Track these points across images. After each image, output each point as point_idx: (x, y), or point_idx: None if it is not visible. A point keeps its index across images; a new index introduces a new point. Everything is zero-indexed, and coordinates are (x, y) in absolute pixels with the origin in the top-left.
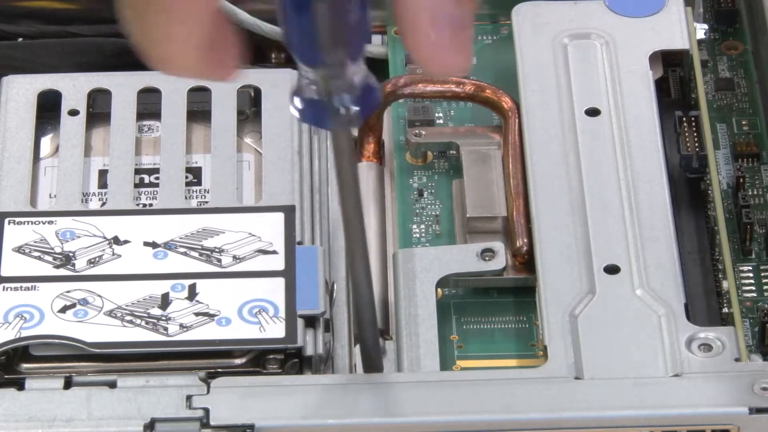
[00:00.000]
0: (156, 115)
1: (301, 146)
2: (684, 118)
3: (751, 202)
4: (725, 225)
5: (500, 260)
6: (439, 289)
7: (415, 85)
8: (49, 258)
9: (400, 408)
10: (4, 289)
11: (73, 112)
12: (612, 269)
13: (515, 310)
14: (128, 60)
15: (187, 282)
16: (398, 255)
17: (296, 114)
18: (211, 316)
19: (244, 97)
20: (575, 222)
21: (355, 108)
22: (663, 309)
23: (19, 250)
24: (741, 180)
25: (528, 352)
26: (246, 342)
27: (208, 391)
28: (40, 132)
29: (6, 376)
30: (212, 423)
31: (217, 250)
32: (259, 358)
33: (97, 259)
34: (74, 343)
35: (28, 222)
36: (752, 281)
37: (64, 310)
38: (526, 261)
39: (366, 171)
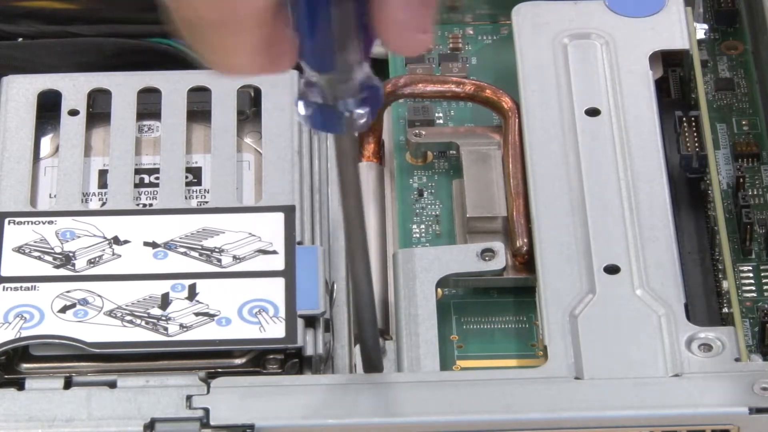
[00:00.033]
0: (156, 115)
1: (301, 146)
2: (684, 118)
3: (751, 202)
4: (725, 225)
5: (500, 260)
6: (439, 289)
7: (415, 85)
8: (49, 258)
9: (400, 408)
10: (4, 289)
11: (73, 112)
12: (612, 269)
13: (515, 310)
14: (128, 60)
15: (187, 282)
16: (398, 255)
17: (303, 120)
18: (211, 316)
19: (244, 97)
20: (575, 222)
21: (362, 110)
22: (663, 309)
23: (19, 250)
24: (741, 180)
25: (528, 352)
26: (246, 342)
27: (208, 391)
28: (40, 132)
29: (6, 376)
30: (212, 423)
31: (217, 250)
32: (259, 358)
33: (97, 259)
34: (74, 343)
35: (28, 222)
36: (752, 281)
37: (64, 310)
38: (526, 261)
39: (366, 171)
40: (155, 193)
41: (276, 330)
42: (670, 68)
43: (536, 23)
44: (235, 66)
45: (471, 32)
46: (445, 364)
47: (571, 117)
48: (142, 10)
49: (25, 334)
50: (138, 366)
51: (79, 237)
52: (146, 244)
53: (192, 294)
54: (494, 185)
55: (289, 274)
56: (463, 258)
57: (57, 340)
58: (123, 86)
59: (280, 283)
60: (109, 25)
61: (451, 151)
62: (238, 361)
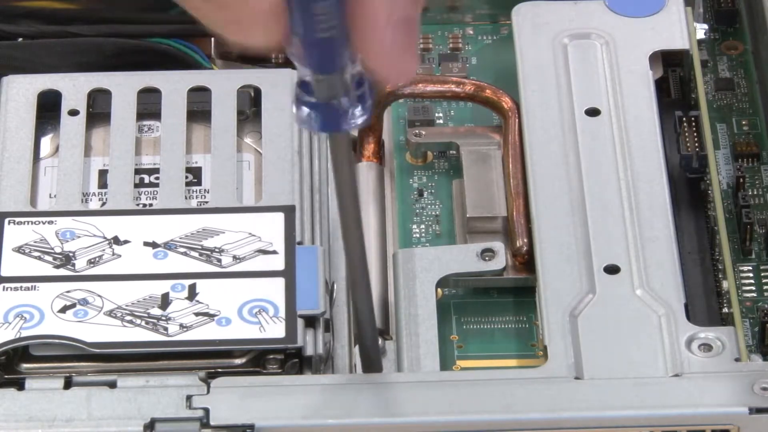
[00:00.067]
0: (156, 115)
1: (301, 146)
2: (684, 118)
3: (751, 202)
4: (725, 225)
5: (500, 260)
6: (439, 289)
7: (415, 85)
8: (49, 258)
9: (400, 408)
10: (4, 289)
11: (73, 112)
12: (612, 269)
13: (515, 310)
14: (128, 60)
15: (187, 282)
16: (398, 255)
17: (299, 121)
18: (211, 316)
19: (244, 97)
20: (575, 222)
21: (357, 108)
22: (663, 309)
23: (19, 250)
24: (741, 180)
25: (528, 352)
26: (246, 342)
27: (208, 391)
28: (40, 132)
29: (6, 376)
30: (212, 423)
31: (217, 250)
32: (259, 358)
33: (97, 259)
34: (74, 343)
35: (28, 222)
36: (752, 281)
37: (64, 310)
38: (526, 261)
39: (366, 171)
40: (155, 193)
41: (276, 330)
42: (670, 68)
43: (536, 23)
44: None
45: (471, 32)
46: (445, 364)
47: (571, 117)
48: (142, 10)
49: (25, 334)
50: (138, 366)
51: (79, 237)
52: (146, 244)
53: (192, 294)
54: (494, 185)
55: (289, 274)
56: (463, 258)
57: (57, 340)
58: (123, 86)
59: (280, 283)
60: (109, 25)
61: (451, 151)
62: (238, 361)
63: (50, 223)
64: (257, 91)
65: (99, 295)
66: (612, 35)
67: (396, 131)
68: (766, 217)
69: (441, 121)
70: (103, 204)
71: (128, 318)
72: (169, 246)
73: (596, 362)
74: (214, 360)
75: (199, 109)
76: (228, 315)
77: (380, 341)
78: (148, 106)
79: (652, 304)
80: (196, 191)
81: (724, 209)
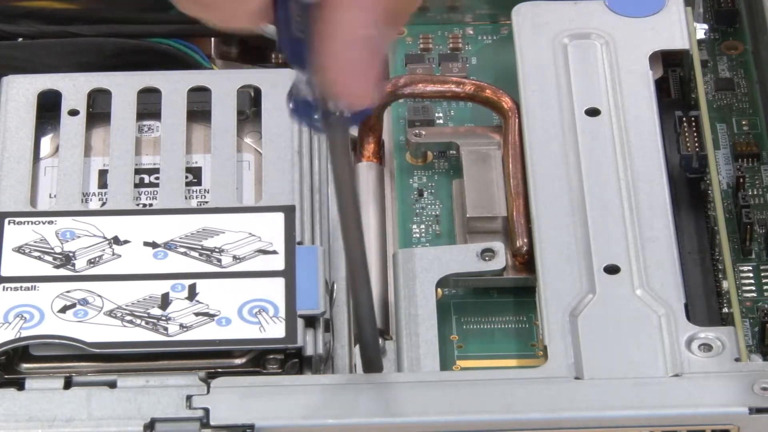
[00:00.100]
0: (156, 115)
1: (301, 146)
2: (684, 118)
3: (751, 202)
4: (725, 225)
5: (500, 260)
6: (439, 289)
7: (415, 85)
8: (49, 258)
9: (400, 408)
10: (4, 289)
11: (73, 112)
12: (612, 269)
13: (515, 310)
14: (128, 60)
15: (187, 282)
16: (398, 255)
17: (292, 115)
18: (211, 316)
19: (244, 97)
20: (575, 222)
21: (347, 111)
22: (663, 309)
23: (19, 250)
24: (741, 180)
25: (528, 352)
26: (246, 342)
27: (208, 391)
28: (40, 132)
29: (6, 376)
30: (212, 423)
31: (217, 250)
32: (259, 358)
33: (97, 259)
34: (74, 343)
35: (28, 222)
36: (752, 281)
37: (64, 310)
38: (526, 261)
39: (366, 171)
40: (155, 193)
41: (276, 330)
42: (670, 68)
43: (536, 23)
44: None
45: (471, 32)
46: (445, 364)
47: (571, 117)
48: (142, 10)
49: (25, 334)
50: (138, 366)
51: (79, 237)
52: (146, 244)
53: (192, 294)
54: (494, 185)
55: (289, 274)
56: (463, 258)
57: (57, 340)
58: (123, 86)
59: (280, 283)
60: (109, 25)
61: (451, 151)
62: (238, 361)
63: (50, 223)
64: (257, 91)
65: (99, 295)
66: (612, 35)
67: (396, 131)
68: (766, 217)
69: (441, 121)
70: (103, 204)
71: (128, 318)
72: (169, 246)
73: (596, 362)
74: (214, 360)
75: (199, 109)
76: (228, 315)
77: (380, 341)
78: (148, 106)
79: (652, 304)
80: (196, 191)
81: (724, 209)
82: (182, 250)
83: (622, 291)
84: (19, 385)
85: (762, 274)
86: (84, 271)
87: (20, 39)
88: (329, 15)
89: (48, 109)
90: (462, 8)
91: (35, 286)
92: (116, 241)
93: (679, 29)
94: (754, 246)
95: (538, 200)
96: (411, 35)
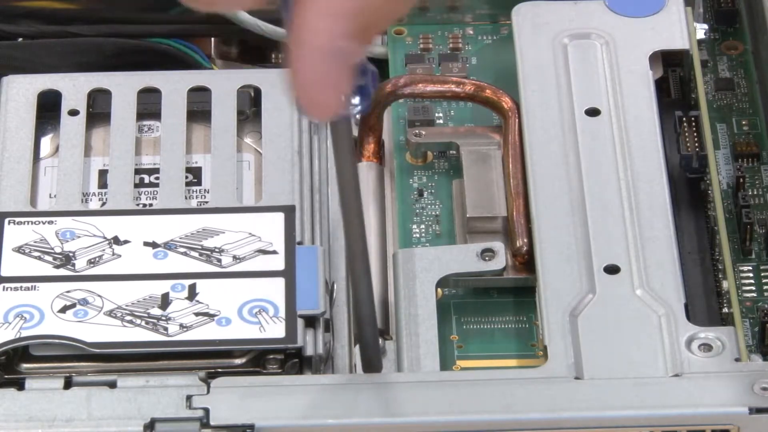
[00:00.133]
0: (156, 115)
1: (301, 146)
2: (684, 118)
3: (751, 202)
4: (725, 225)
5: (500, 260)
6: (439, 289)
7: (415, 85)
8: (49, 258)
9: (400, 408)
10: (4, 289)
11: (73, 112)
12: (612, 269)
13: (515, 310)
14: (128, 60)
15: (187, 282)
16: (398, 255)
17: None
18: (211, 316)
19: (244, 97)
20: (575, 222)
21: (358, 97)
22: (663, 309)
23: (19, 250)
24: (741, 180)
25: (528, 352)
26: (246, 342)
27: (208, 391)
28: (40, 132)
29: (6, 376)
30: (212, 423)
31: (217, 250)
32: (259, 358)
33: (97, 259)
34: (74, 343)
35: (28, 222)
36: (752, 281)
37: (64, 310)
38: (526, 261)
39: (366, 171)
40: (155, 193)
41: (276, 330)
42: (670, 68)
43: (536, 23)
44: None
45: (471, 32)
46: (445, 364)
47: (571, 117)
48: (142, 10)
49: (25, 334)
50: (138, 366)
51: (79, 237)
52: (146, 244)
53: (192, 294)
54: (494, 185)
55: (289, 274)
56: (463, 258)
57: (57, 340)
58: (123, 86)
59: (280, 283)
60: (109, 25)
61: (451, 151)
62: (238, 361)
63: (50, 223)
64: (257, 91)
65: (99, 295)
66: (612, 35)
67: (396, 131)
68: (766, 217)
69: (441, 121)
70: (103, 204)
71: (128, 318)
72: (169, 246)
73: (596, 362)
74: (214, 360)
75: (199, 109)
76: (228, 315)
77: (380, 341)
78: (148, 106)
79: (652, 304)
80: (196, 191)
81: (724, 209)
82: (182, 250)
83: (622, 291)
84: (19, 385)
85: (762, 274)
86: (84, 271)
87: (20, 39)
88: (302, 20)
89: (48, 109)
90: (462, 8)
91: (35, 286)
92: (116, 241)
93: (679, 29)
94: (754, 246)
95: (538, 200)
96: (411, 35)
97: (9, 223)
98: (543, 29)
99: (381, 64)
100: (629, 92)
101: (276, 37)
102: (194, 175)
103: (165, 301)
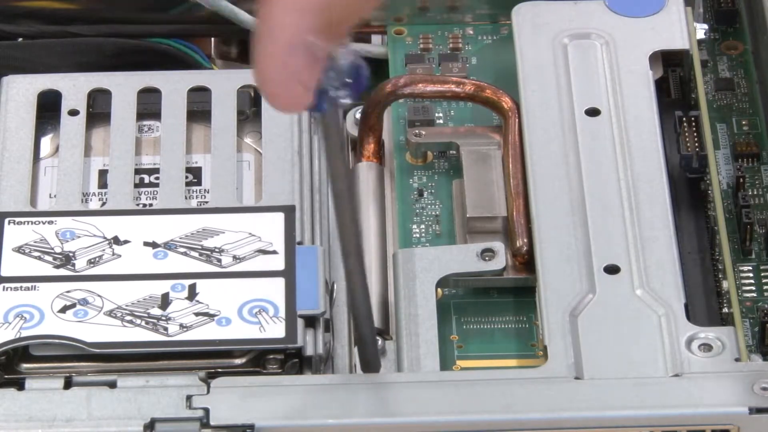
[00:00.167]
0: (156, 115)
1: (301, 146)
2: (684, 118)
3: (751, 202)
4: (725, 225)
5: (500, 260)
6: (439, 289)
7: (415, 85)
8: (49, 258)
9: (400, 408)
10: (4, 289)
11: (73, 112)
12: (612, 269)
13: (515, 310)
14: (128, 60)
15: (187, 282)
16: (398, 255)
17: None
18: (211, 316)
19: (244, 97)
20: (575, 222)
21: (345, 89)
22: (663, 309)
23: (19, 250)
24: (741, 180)
25: (528, 352)
26: (246, 342)
27: (208, 391)
28: (40, 132)
29: (6, 376)
30: (212, 423)
31: (217, 250)
32: (259, 358)
33: (97, 259)
34: (74, 343)
35: (28, 222)
36: (752, 281)
37: (64, 310)
38: (526, 261)
39: (366, 171)
40: (155, 193)
41: (276, 330)
42: (670, 68)
43: (536, 23)
44: None
45: (471, 32)
46: (445, 364)
47: (571, 117)
48: (142, 10)
49: (25, 334)
50: (138, 366)
51: (79, 237)
52: (146, 244)
53: (192, 294)
54: (494, 185)
55: (289, 274)
56: (463, 258)
57: (57, 340)
58: (123, 86)
59: (280, 283)
60: (109, 25)
61: (451, 151)
62: (238, 361)
63: (50, 223)
64: (257, 91)
65: (99, 295)
66: (612, 35)
67: (396, 131)
68: (766, 217)
69: (441, 121)
70: (103, 204)
71: (128, 318)
72: (169, 246)
73: (596, 362)
74: (214, 360)
75: (199, 109)
76: (228, 315)
77: (380, 341)
78: (148, 106)
79: (652, 304)
80: (196, 191)
81: (724, 209)
82: (182, 250)
83: (622, 291)
84: (19, 385)
85: (762, 274)
86: (84, 271)
87: (20, 39)
88: (268, 15)
89: (48, 109)
90: (462, 8)
91: (35, 286)
92: (116, 241)
93: (679, 29)
94: (754, 246)
95: (538, 200)
96: (411, 35)
97: (9, 223)
98: (543, 29)
99: (381, 64)
100: (629, 92)
101: None
102: (194, 175)
103: (165, 301)
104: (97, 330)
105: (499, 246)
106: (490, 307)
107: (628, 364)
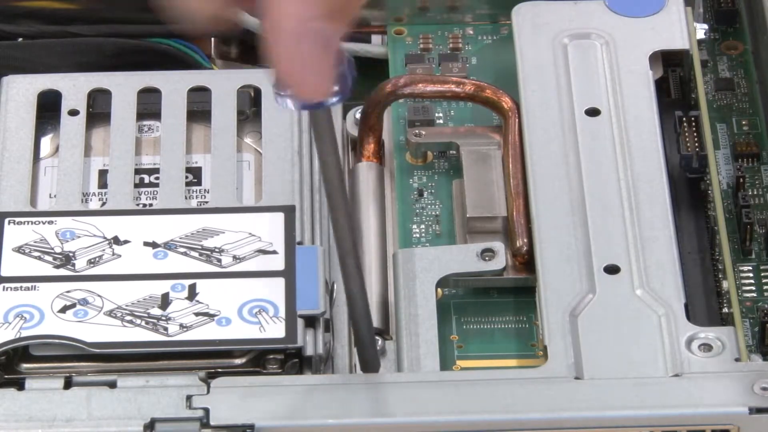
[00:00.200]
0: (156, 115)
1: (301, 146)
2: (684, 118)
3: (751, 202)
4: (725, 225)
5: (500, 260)
6: (439, 289)
7: (415, 85)
8: (49, 258)
9: (400, 408)
10: (4, 289)
11: (73, 112)
12: (612, 269)
13: (515, 310)
14: (128, 60)
15: (187, 282)
16: (398, 255)
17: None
18: (211, 316)
19: (244, 97)
20: (575, 222)
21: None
22: (663, 309)
23: (19, 250)
24: (741, 180)
25: (528, 352)
26: (246, 342)
27: (208, 391)
28: (40, 132)
29: (6, 376)
30: (212, 423)
31: (217, 250)
32: (259, 358)
33: (97, 259)
34: (74, 343)
35: (28, 222)
36: (752, 281)
37: (64, 310)
38: (526, 261)
39: (366, 171)
40: (155, 193)
41: (276, 330)
42: (670, 68)
43: (536, 23)
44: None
45: (471, 32)
46: (445, 364)
47: (571, 117)
48: (142, 10)
49: (25, 334)
50: (138, 366)
51: (79, 237)
52: (146, 244)
53: (192, 294)
54: (494, 185)
55: (289, 274)
56: (463, 258)
57: (57, 340)
58: (123, 86)
59: (280, 283)
60: (109, 25)
61: (451, 151)
62: (238, 361)
63: (50, 223)
64: (257, 91)
65: (99, 295)
66: (612, 35)
67: (396, 131)
68: (766, 217)
69: (441, 121)
70: (103, 204)
71: (128, 318)
72: (169, 246)
73: (596, 362)
74: (214, 360)
75: (199, 109)
76: (228, 315)
77: (380, 341)
78: (148, 106)
79: (652, 304)
80: (196, 191)
81: (724, 209)
82: (182, 250)
83: (622, 291)
84: (19, 385)
85: (762, 274)
86: (84, 271)
87: (20, 39)
88: (272, 6)
89: (48, 109)
90: (462, 8)
91: (35, 286)
92: (116, 241)
93: (679, 29)
94: (754, 246)
95: (538, 200)
96: (411, 35)
97: (9, 223)
98: (543, 29)
99: (381, 64)
100: (629, 92)
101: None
102: (194, 175)
103: (165, 301)
104: (97, 330)
105: (499, 246)
106: (490, 307)
107: (628, 364)
